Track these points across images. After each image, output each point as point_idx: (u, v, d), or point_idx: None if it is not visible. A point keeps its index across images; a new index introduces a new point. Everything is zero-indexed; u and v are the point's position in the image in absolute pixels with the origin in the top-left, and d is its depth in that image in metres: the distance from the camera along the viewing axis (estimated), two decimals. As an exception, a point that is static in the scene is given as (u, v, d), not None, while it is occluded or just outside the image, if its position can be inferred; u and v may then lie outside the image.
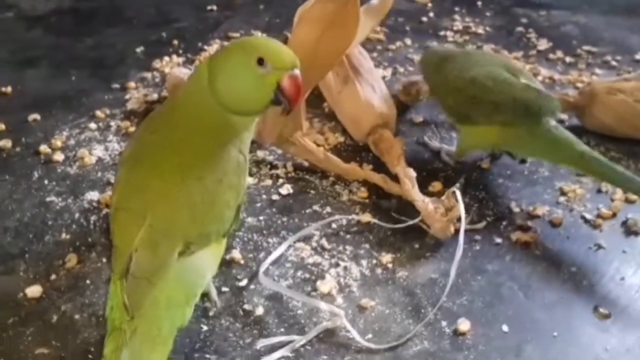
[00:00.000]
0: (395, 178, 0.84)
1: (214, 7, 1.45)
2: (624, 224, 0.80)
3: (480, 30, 1.38)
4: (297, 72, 0.59)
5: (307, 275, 0.71)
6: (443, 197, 0.78)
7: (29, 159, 0.89)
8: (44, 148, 0.90)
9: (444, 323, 0.65)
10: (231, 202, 0.60)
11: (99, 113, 1.00)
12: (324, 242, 0.76)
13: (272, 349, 0.61)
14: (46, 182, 0.84)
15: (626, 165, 0.92)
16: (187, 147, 0.59)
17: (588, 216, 0.82)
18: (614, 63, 1.25)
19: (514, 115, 0.82)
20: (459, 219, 0.74)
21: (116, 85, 1.10)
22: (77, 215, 0.79)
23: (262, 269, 0.70)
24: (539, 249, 0.76)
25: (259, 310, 0.66)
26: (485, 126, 0.84)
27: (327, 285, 0.69)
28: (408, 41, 1.32)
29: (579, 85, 1.15)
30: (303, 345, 0.62)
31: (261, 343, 0.61)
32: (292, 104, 0.61)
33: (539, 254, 0.76)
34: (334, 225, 0.79)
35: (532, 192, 0.86)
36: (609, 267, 0.74)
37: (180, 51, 1.23)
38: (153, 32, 1.32)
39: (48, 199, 0.81)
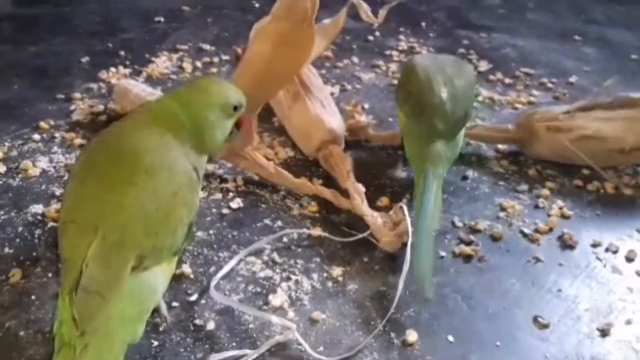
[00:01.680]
0: (345, 193, 0.86)
1: (162, 19, 1.45)
2: (560, 238, 0.85)
3: (424, 51, 1.43)
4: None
5: (259, 289, 0.72)
6: (391, 212, 0.80)
7: (-33, 171, 0.86)
8: (-16, 159, 0.88)
9: (392, 334, 0.67)
10: (184, 218, 0.61)
11: (42, 124, 0.98)
12: (275, 256, 0.77)
13: (224, 363, 0.62)
14: (-14, 195, 0.82)
15: (561, 183, 0.97)
16: (141, 160, 0.59)
17: (526, 231, 0.86)
18: (550, 85, 1.32)
19: (412, 111, 0.87)
20: (406, 233, 0.77)
21: (60, 96, 1.07)
22: (20, 229, 0.77)
23: (213, 283, 0.70)
24: (481, 262, 0.80)
25: (210, 325, 0.66)
26: (400, 110, 0.91)
27: (278, 299, 0.70)
28: (355, 59, 1.35)
29: (518, 105, 1.21)
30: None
31: (213, 358, 0.61)
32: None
33: (481, 266, 0.79)
34: (285, 239, 0.80)
35: (473, 208, 0.90)
36: (547, 279, 0.78)
37: (127, 62, 1.22)
38: (99, 42, 1.30)
39: (-11, 213, 0.79)
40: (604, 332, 0.70)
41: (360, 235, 0.79)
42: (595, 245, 0.84)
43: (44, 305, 0.66)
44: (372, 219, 0.79)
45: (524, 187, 0.95)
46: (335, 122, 0.96)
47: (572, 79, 1.36)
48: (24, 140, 0.94)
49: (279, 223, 0.83)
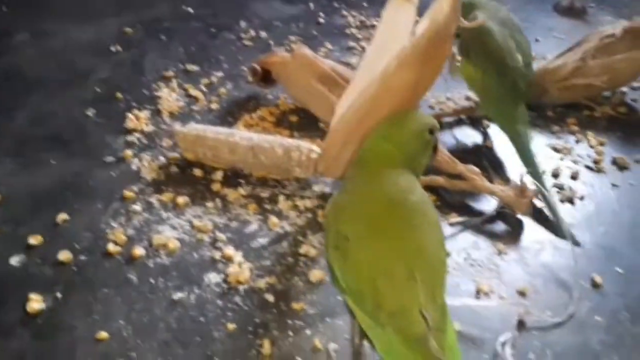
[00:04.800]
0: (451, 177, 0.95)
1: (119, 48, 1.35)
2: (614, 162, 1.04)
3: (374, 22, 1.51)
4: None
5: (462, 282, 0.80)
6: (513, 184, 0.92)
7: (106, 264, 0.80)
8: (112, 247, 0.82)
9: (582, 282, 0.81)
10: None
11: (126, 193, 0.92)
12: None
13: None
14: (152, 281, 0.78)
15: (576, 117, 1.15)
16: (408, 204, 0.64)
17: (589, 164, 1.03)
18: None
19: (495, 71, 0.99)
20: (536, 196, 0.90)
21: (110, 158, 1.00)
22: (219, 301, 0.75)
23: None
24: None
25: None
26: (475, 67, 1.01)
27: (484, 285, 0.79)
28: (329, 45, 1.39)
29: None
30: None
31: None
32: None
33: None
34: (439, 233, 0.88)
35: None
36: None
37: (134, 104, 1.14)
38: (81, 89, 1.19)
39: (174, 297, 0.75)
40: None
41: (498, 210, 0.91)
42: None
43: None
44: (504, 192, 0.90)
45: (556, 127, 1.12)
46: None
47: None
48: (126, 216, 0.88)
49: (418, 220, 0.90)
